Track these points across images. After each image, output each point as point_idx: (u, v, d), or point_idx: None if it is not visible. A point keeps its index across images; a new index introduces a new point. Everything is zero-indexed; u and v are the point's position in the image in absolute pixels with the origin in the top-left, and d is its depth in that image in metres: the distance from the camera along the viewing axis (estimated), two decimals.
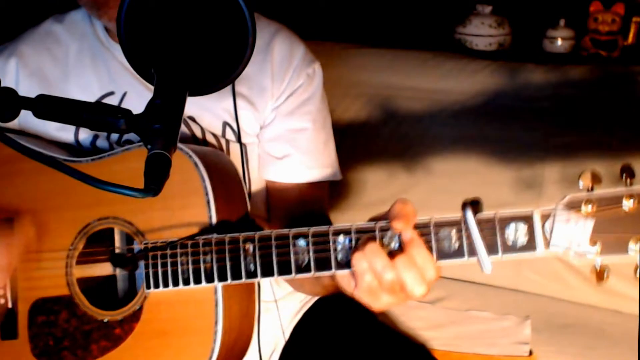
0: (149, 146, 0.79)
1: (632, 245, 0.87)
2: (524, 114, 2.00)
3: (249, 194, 1.31)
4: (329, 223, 1.35)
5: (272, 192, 1.36)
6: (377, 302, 0.96)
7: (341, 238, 0.99)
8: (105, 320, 1.14)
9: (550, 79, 2.03)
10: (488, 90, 2.05)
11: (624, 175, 0.91)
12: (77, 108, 0.82)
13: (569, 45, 2.21)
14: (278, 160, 1.32)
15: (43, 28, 1.37)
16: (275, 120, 1.32)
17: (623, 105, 1.94)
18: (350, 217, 1.99)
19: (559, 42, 2.20)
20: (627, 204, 0.89)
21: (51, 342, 1.16)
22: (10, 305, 1.19)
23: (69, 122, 0.82)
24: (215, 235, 1.05)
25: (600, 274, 0.90)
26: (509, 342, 1.76)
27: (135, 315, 1.12)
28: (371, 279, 0.93)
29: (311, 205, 1.34)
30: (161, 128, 0.79)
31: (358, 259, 0.94)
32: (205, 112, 1.29)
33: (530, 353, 1.73)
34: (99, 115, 0.81)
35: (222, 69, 0.87)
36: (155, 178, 0.77)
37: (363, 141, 2.09)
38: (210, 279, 1.05)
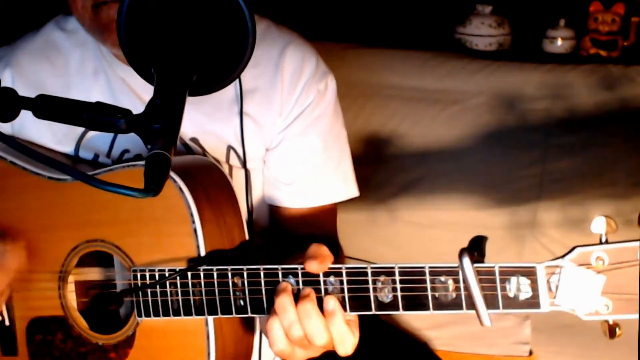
0: (149, 146, 0.79)
1: None
2: (524, 114, 2.00)
3: (251, 221, 1.24)
4: (337, 246, 1.32)
5: (276, 216, 1.31)
6: (292, 355, 0.97)
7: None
8: (100, 343, 1.12)
9: (550, 79, 2.03)
10: (488, 90, 2.05)
11: None
12: (77, 108, 0.81)
13: (569, 45, 2.21)
14: (286, 185, 1.27)
15: (43, 34, 1.32)
16: (284, 142, 1.26)
17: (623, 105, 1.94)
18: (350, 217, 1.99)
19: (559, 42, 2.20)
20: None
21: None
22: (7, 322, 1.18)
23: (69, 122, 0.82)
24: (203, 267, 1.02)
25: (612, 330, 0.85)
26: (509, 342, 1.76)
27: (129, 341, 1.10)
28: (280, 333, 0.95)
29: (320, 227, 1.29)
30: (161, 128, 0.79)
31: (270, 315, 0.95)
32: (209, 135, 1.24)
33: (530, 353, 1.73)
34: (99, 114, 0.81)
35: (222, 69, 0.87)
36: (156, 178, 0.76)
37: (363, 141, 2.09)
38: (200, 312, 1.03)
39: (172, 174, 1.05)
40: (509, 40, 2.29)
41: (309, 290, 0.95)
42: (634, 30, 2.16)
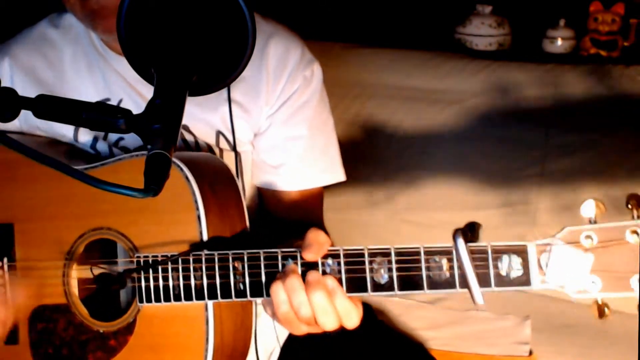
0: (149, 146, 0.79)
1: (634, 283, 0.84)
2: (524, 114, 2.00)
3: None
4: (323, 229, 1.34)
5: (265, 199, 1.34)
6: (296, 329, 0.99)
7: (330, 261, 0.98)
8: (101, 330, 1.13)
9: (550, 79, 2.03)
10: (488, 90, 2.05)
11: (630, 205, 0.85)
12: (76, 108, 0.81)
13: (569, 45, 2.21)
14: (273, 169, 1.31)
15: (37, 31, 1.35)
16: (271, 128, 1.29)
17: (623, 105, 1.94)
18: (349, 216, 2.00)
19: (559, 42, 2.20)
20: (632, 238, 0.84)
21: (50, 350, 1.16)
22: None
23: (69, 122, 0.82)
24: (205, 252, 1.04)
25: (601, 310, 0.87)
26: (509, 342, 1.76)
27: (129, 328, 1.11)
28: (288, 310, 0.96)
29: (307, 210, 1.32)
30: (161, 128, 0.79)
31: (276, 290, 0.96)
32: (199, 122, 1.27)
33: (530, 353, 1.73)
34: (98, 115, 0.81)
35: (222, 69, 0.87)
36: (155, 178, 0.76)
37: (363, 141, 2.09)
38: (200, 296, 1.04)
39: (178, 162, 1.08)
40: (509, 40, 2.29)
41: (315, 273, 0.97)
42: (634, 31, 2.17)
